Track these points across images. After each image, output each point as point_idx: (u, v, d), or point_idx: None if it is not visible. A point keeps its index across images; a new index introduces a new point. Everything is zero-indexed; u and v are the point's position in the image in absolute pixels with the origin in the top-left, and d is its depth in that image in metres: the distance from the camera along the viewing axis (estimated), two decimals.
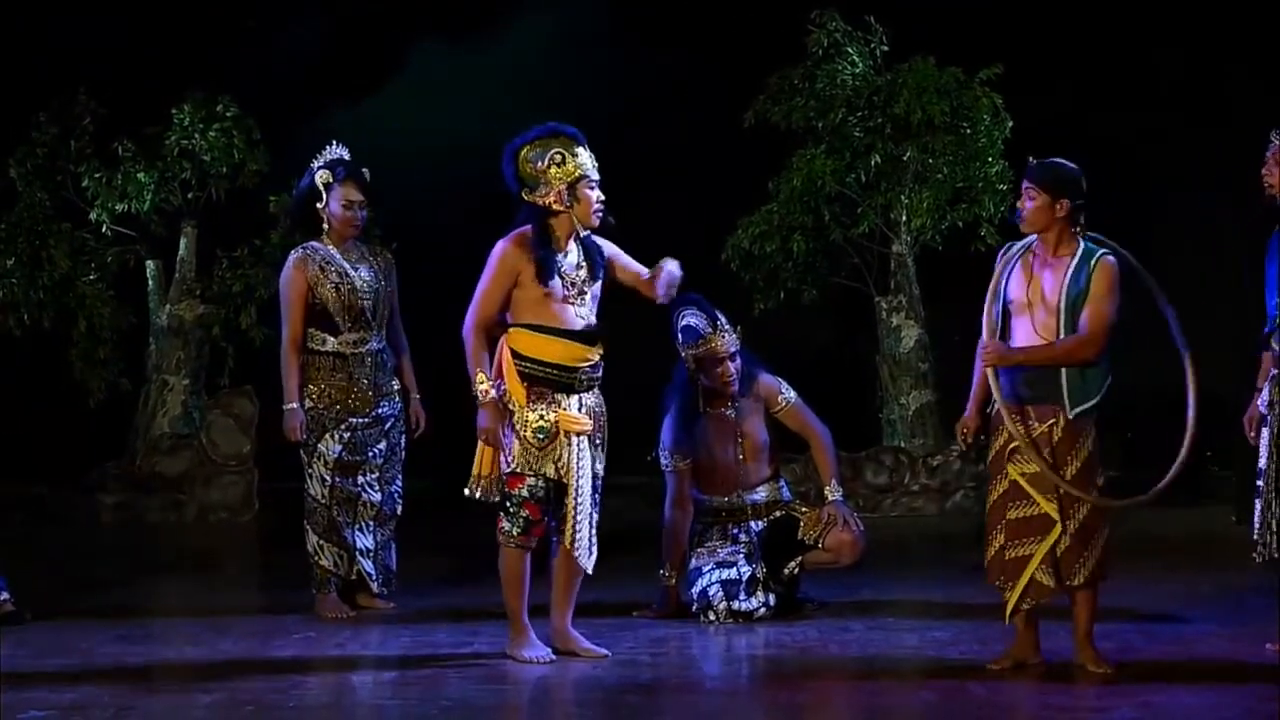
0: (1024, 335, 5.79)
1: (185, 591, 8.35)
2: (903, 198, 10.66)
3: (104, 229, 10.82)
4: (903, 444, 11.03)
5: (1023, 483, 5.75)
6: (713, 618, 6.80)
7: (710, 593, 6.84)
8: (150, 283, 11.12)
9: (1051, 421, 5.73)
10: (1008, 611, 5.79)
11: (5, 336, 10.82)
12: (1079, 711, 5.28)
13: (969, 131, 10.52)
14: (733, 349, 6.95)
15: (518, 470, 5.96)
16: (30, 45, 10.90)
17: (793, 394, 7.09)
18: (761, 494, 7.09)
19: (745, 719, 5.48)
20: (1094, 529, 5.73)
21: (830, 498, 7.02)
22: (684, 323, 6.99)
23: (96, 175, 10.75)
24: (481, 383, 5.90)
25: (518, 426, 5.96)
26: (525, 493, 5.98)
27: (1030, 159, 5.81)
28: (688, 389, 7.03)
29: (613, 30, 11.73)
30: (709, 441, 7.02)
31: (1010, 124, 10.52)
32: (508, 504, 6.00)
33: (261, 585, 8.64)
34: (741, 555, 6.91)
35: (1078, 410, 5.69)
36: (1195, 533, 9.49)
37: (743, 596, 6.80)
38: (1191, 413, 5.73)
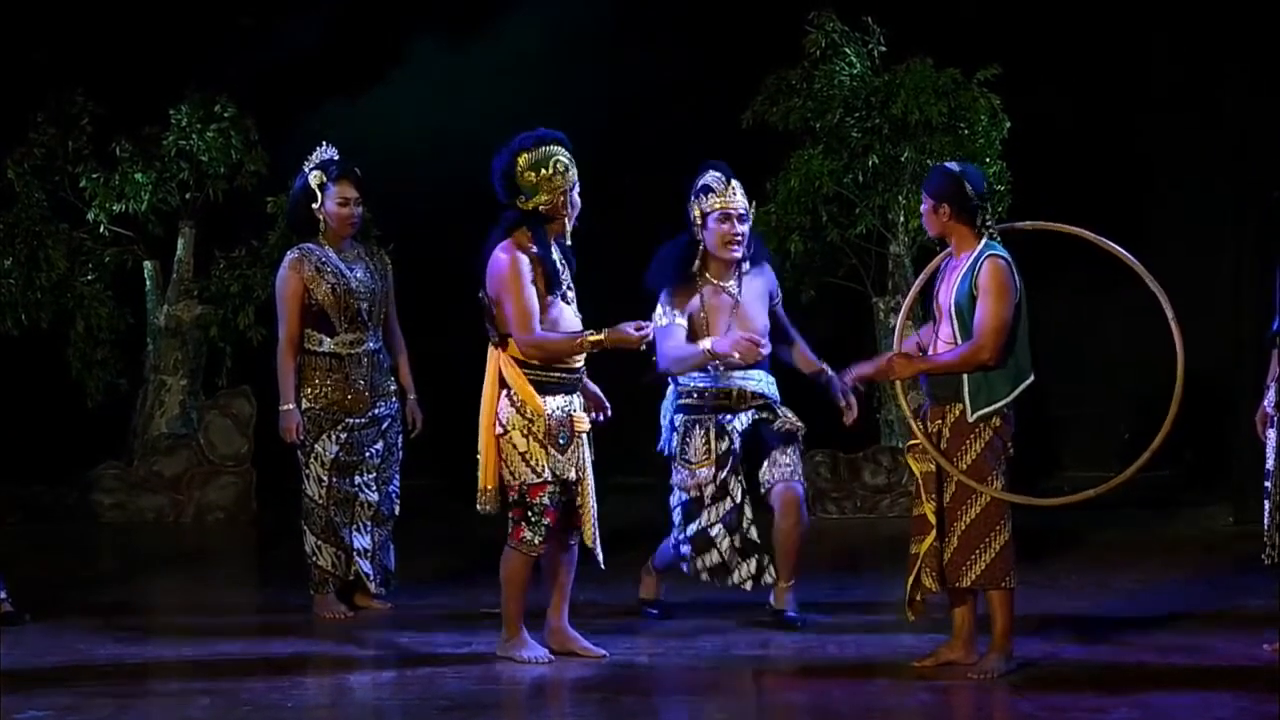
0: (937, 343, 5.88)
1: (183, 592, 8.34)
2: (900, 198, 10.64)
3: (101, 229, 10.80)
4: (900, 444, 11.03)
5: (919, 481, 5.86)
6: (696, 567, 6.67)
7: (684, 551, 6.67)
8: (148, 283, 11.10)
9: (940, 421, 5.80)
10: (905, 606, 5.91)
11: (3, 337, 10.80)
12: (1076, 712, 5.29)
13: (967, 132, 10.49)
14: (743, 210, 6.68)
15: (544, 479, 5.97)
16: (28, 45, 10.87)
17: (780, 297, 6.91)
18: (754, 380, 6.72)
19: (743, 718, 5.48)
20: (984, 533, 5.74)
21: (828, 372, 6.74)
22: (698, 184, 6.71)
23: (94, 175, 10.73)
24: (585, 338, 5.92)
25: (540, 434, 5.96)
26: (547, 500, 5.99)
27: (912, 186, 5.91)
28: (689, 246, 6.70)
29: (611, 30, 11.72)
30: (704, 314, 6.68)
31: (1008, 125, 10.50)
32: (529, 513, 5.98)
33: (259, 585, 8.64)
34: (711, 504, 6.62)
35: (980, 412, 5.72)
36: (1193, 533, 9.49)
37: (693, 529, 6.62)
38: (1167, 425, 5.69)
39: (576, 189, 6.05)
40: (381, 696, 5.81)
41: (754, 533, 6.65)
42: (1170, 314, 5.67)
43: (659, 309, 6.68)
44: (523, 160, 5.99)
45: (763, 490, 6.69)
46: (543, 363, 5.96)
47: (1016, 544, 5.78)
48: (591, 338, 5.92)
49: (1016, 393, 5.74)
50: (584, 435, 6.05)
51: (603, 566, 6.15)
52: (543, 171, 5.98)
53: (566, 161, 6.01)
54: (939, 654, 5.92)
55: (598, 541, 6.11)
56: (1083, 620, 6.75)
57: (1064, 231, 5.93)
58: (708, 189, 6.67)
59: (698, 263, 6.71)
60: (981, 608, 5.90)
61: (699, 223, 6.67)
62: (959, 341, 5.76)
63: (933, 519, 5.78)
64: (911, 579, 5.86)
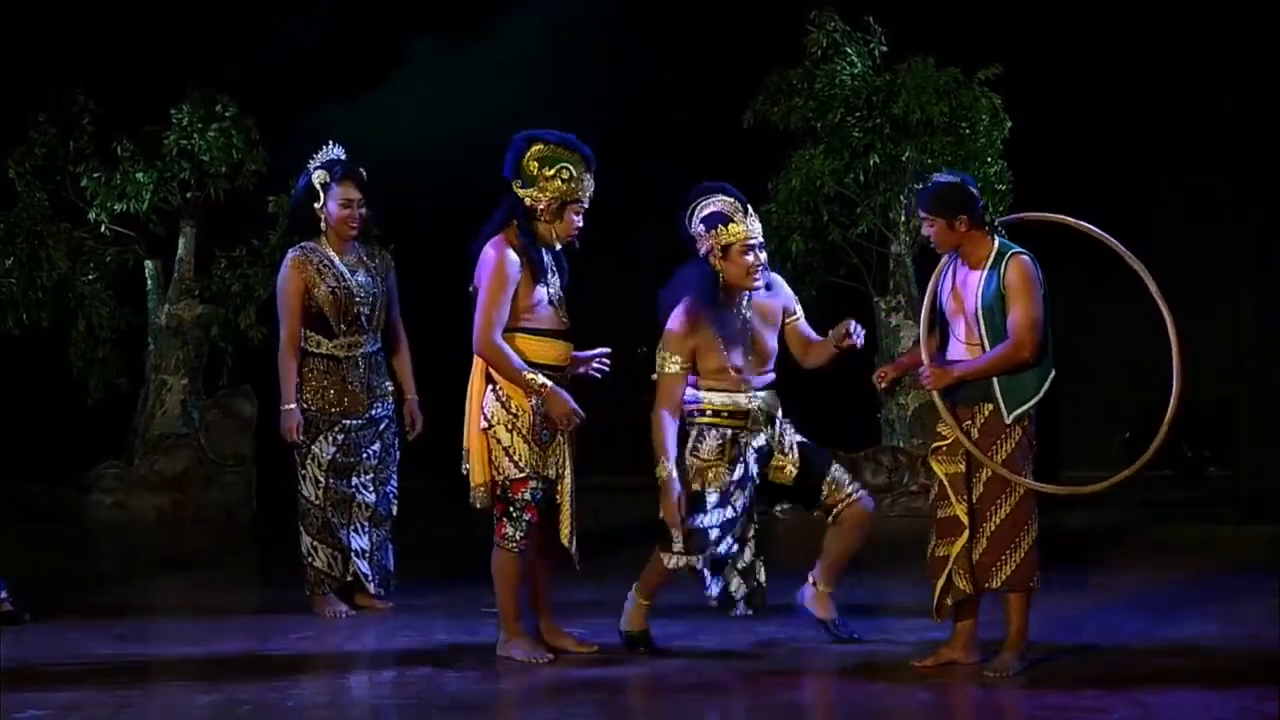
0: (952, 345, 5.86)
1: (183, 591, 8.35)
2: (901, 198, 10.65)
3: (103, 229, 10.82)
4: (901, 444, 11.03)
5: (945, 482, 5.83)
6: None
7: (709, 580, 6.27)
8: (149, 282, 11.11)
9: (969, 422, 5.79)
10: (933, 608, 5.89)
11: (4, 336, 10.82)
12: (1077, 712, 5.29)
13: (968, 132, 10.51)
14: (761, 238, 6.34)
15: (526, 474, 5.97)
16: (28, 45, 10.89)
17: (801, 310, 6.63)
18: (764, 397, 6.34)
19: (743, 719, 5.48)
20: (1012, 534, 5.75)
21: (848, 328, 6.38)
22: (708, 211, 6.24)
23: (95, 175, 10.75)
24: (534, 378, 5.92)
25: (524, 430, 5.97)
26: (528, 496, 6.00)
27: (913, 185, 5.85)
28: (712, 278, 6.23)
29: (611, 30, 11.73)
30: (718, 338, 6.28)
31: (1009, 124, 10.51)
32: (510, 509, 6.00)
33: (260, 585, 8.64)
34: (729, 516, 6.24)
35: (1015, 413, 5.72)
36: (1194, 533, 9.49)
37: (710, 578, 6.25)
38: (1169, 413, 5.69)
39: (578, 208, 6.04)
40: (381, 696, 5.81)
41: (751, 553, 6.32)
42: (1155, 289, 5.69)
43: (662, 353, 6.22)
44: (535, 149, 6.01)
45: (836, 509, 6.32)
46: (492, 368, 5.96)
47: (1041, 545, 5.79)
48: (537, 383, 5.92)
49: (1045, 388, 5.75)
50: (565, 435, 6.04)
51: (577, 567, 6.14)
52: (545, 170, 5.99)
53: (571, 173, 5.99)
54: (939, 654, 5.92)
55: (574, 541, 6.10)
56: (1083, 620, 6.74)
57: (1047, 221, 5.94)
58: (725, 219, 6.21)
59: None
60: (985, 615, 5.91)
61: (718, 255, 6.21)
62: (984, 344, 5.73)
63: (965, 519, 5.76)
64: (941, 581, 5.82)
